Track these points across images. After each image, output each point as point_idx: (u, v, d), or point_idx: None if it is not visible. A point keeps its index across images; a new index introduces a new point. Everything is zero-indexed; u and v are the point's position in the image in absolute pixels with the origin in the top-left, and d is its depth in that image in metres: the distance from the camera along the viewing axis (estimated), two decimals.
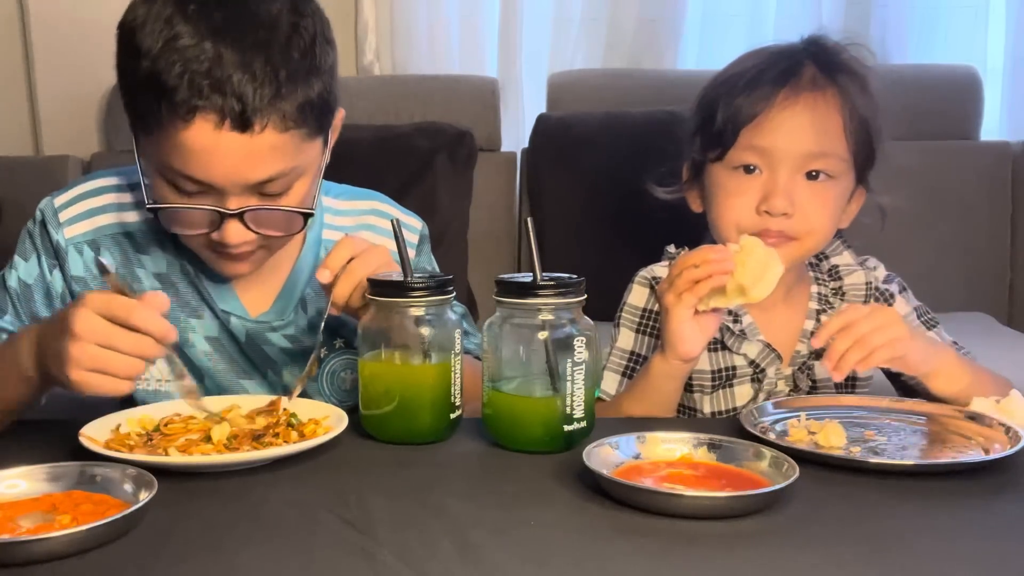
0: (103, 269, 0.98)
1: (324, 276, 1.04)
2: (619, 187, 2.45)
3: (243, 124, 0.96)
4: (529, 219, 1.02)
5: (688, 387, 1.25)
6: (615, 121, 2.53)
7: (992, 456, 0.92)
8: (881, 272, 1.33)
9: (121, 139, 2.59)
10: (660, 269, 1.31)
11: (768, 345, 1.25)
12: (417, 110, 2.59)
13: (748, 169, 1.21)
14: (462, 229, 2.44)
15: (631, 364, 1.27)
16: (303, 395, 1.18)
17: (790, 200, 1.18)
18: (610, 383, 1.27)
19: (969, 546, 0.75)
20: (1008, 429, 0.97)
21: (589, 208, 2.47)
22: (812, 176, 1.20)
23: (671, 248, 1.35)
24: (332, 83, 1.04)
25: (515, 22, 2.83)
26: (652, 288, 1.29)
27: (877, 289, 1.30)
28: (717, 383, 1.26)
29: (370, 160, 2.31)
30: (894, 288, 1.31)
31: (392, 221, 1.03)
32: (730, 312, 1.25)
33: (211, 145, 0.97)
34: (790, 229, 1.19)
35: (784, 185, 1.18)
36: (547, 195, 2.52)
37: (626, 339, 1.29)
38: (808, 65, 1.21)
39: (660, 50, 2.86)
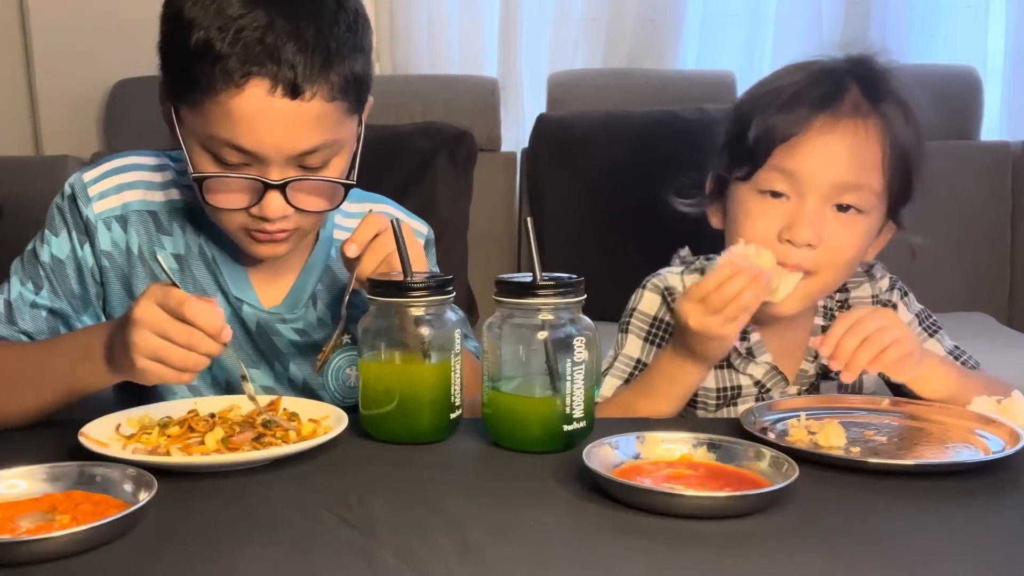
0: (162, 269, 1.01)
1: (351, 250, 1.06)
2: (619, 187, 2.46)
3: (294, 91, 0.99)
4: (529, 219, 1.02)
5: (692, 403, 1.23)
6: (615, 121, 2.53)
7: (992, 456, 0.92)
8: (885, 282, 1.30)
9: (121, 139, 2.59)
10: (673, 277, 1.27)
11: (775, 367, 1.23)
12: (417, 110, 2.59)
13: (775, 194, 1.14)
14: (462, 229, 2.44)
15: (635, 372, 1.24)
16: (309, 391, 1.19)
17: (815, 231, 1.12)
18: (609, 388, 1.24)
19: (969, 546, 0.75)
20: (1008, 429, 0.97)
21: (589, 208, 2.48)
22: (842, 208, 1.13)
23: (684, 251, 1.30)
24: (370, 63, 1.08)
25: (515, 22, 2.84)
26: (664, 297, 1.26)
27: (880, 301, 1.28)
28: (721, 401, 1.24)
29: (370, 160, 2.30)
30: (895, 297, 1.29)
31: (392, 221, 1.03)
32: None
33: (262, 112, 0.99)
34: (810, 261, 1.13)
35: (811, 214, 1.12)
36: (547, 195, 2.52)
37: (633, 346, 1.26)
38: (852, 88, 1.14)
39: (660, 50, 2.87)
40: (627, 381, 1.24)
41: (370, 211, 1.12)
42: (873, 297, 1.28)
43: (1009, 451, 0.92)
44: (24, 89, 2.82)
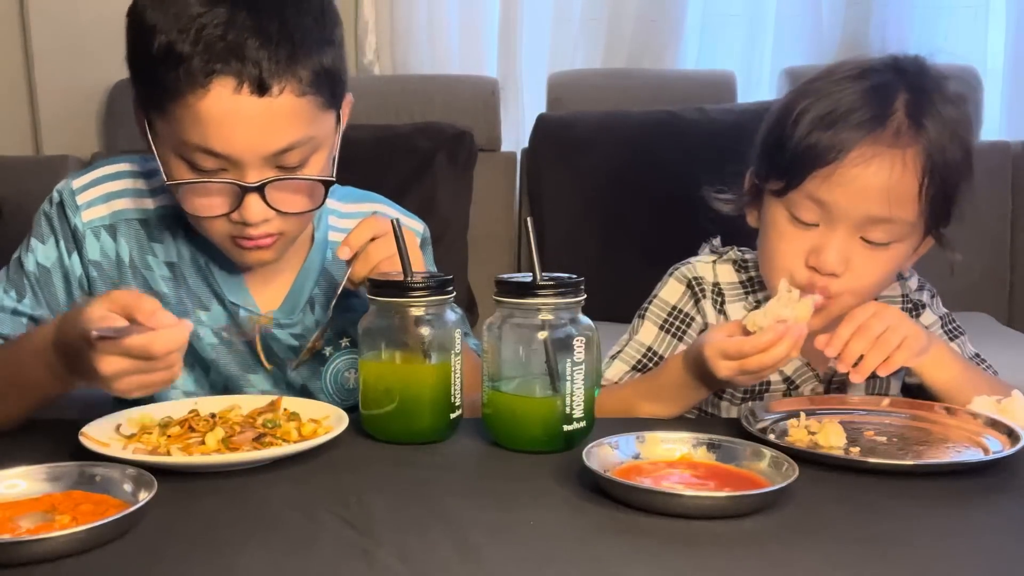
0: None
1: (344, 253, 1.05)
2: (619, 187, 2.46)
3: (261, 88, 0.97)
4: (529, 219, 1.02)
5: (718, 394, 1.22)
6: (615, 121, 2.53)
7: (992, 456, 0.92)
8: (914, 282, 1.29)
9: (121, 139, 2.59)
10: (703, 266, 1.26)
11: (807, 364, 1.22)
12: (417, 110, 2.59)
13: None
14: (462, 229, 2.45)
15: (644, 360, 1.23)
16: (307, 394, 1.19)
17: (842, 259, 1.10)
18: (616, 373, 1.23)
19: (969, 546, 0.75)
20: (1008, 429, 0.97)
21: (589, 208, 2.48)
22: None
23: (716, 241, 1.29)
24: (342, 57, 1.06)
25: (515, 22, 2.84)
26: (690, 286, 1.25)
27: (910, 300, 1.27)
28: (748, 395, 1.23)
29: (370, 160, 2.32)
30: (925, 297, 1.28)
31: (392, 221, 1.03)
32: None
33: (230, 112, 0.97)
34: (834, 288, 1.11)
35: (838, 243, 1.10)
36: (547, 195, 2.52)
37: (648, 333, 1.25)
38: (898, 111, 1.09)
39: (660, 50, 2.87)
40: (635, 368, 1.24)
41: (368, 214, 1.12)
42: (903, 296, 1.26)
43: (1009, 451, 0.92)
44: (24, 89, 2.83)
